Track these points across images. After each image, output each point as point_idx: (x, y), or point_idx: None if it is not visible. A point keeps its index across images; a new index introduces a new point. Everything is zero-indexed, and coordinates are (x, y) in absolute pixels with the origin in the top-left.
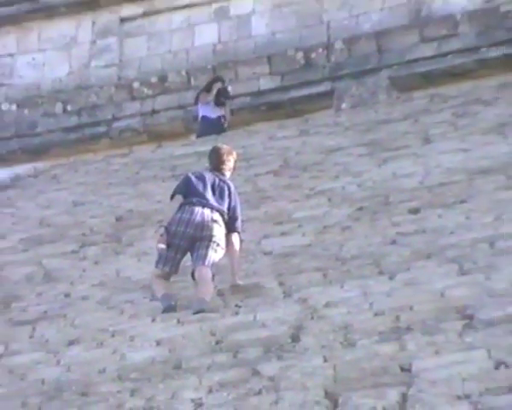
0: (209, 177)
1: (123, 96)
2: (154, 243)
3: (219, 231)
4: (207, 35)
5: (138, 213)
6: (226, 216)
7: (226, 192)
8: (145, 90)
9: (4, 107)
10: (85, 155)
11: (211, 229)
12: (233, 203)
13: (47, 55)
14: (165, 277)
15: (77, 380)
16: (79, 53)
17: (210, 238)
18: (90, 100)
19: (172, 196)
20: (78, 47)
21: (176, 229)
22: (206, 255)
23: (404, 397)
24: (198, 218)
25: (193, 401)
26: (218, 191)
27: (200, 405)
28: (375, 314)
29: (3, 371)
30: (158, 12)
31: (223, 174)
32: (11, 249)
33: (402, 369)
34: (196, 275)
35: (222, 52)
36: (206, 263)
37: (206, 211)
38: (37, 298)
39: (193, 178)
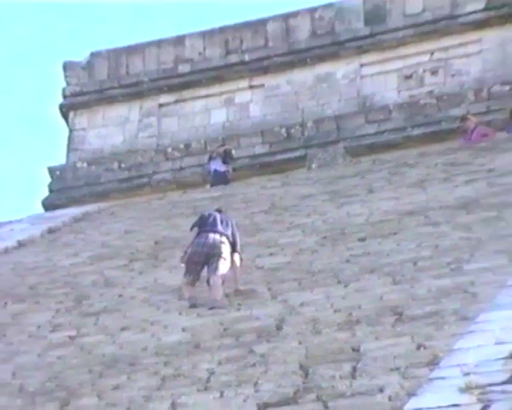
0: (217, 215)
1: (160, 158)
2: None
3: (226, 249)
4: (219, 116)
5: (170, 238)
6: (230, 239)
7: (229, 224)
8: (175, 153)
9: (78, 165)
10: (134, 198)
11: (219, 248)
12: (234, 232)
13: (108, 130)
14: (191, 283)
15: (127, 355)
16: (130, 128)
17: (219, 255)
18: (137, 160)
19: (192, 228)
20: (129, 124)
21: (195, 249)
22: (217, 268)
23: (354, 369)
24: (210, 241)
25: (207, 370)
26: (224, 223)
27: (213, 373)
28: (335, 311)
29: (76, 348)
30: (185, 100)
31: (225, 214)
32: (82, 263)
33: (353, 350)
34: (210, 282)
35: (229, 128)
36: (218, 273)
37: (216, 236)
38: (99, 297)
39: (206, 214)
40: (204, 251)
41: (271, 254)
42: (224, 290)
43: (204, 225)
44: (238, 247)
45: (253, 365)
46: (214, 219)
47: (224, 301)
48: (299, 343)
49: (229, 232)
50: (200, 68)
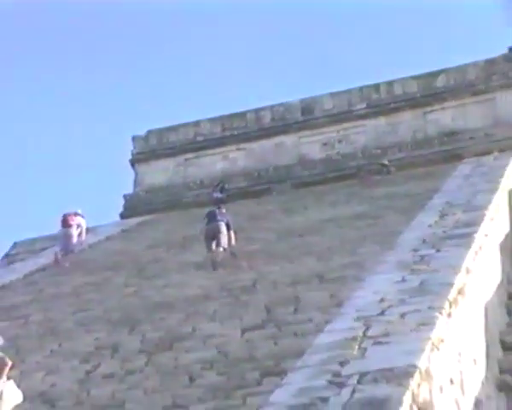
0: (216, 210)
1: (186, 189)
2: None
3: (224, 229)
4: (219, 165)
5: (191, 235)
6: (225, 223)
7: (224, 215)
8: (194, 187)
9: (140, 193)
10: (171, 212)
11: (220, 229)
12: (228, 219)
13: (156, 174)
14: (208, 251)
15: (168, 301)
16: (168, 173)
17: (220, 233)
18: (173, 190)
19: (204, 219)
20: (168, 170)
21: (206, 232)
22: (220, 241)
23: (296, 309)
24: (214, 225)
25: (213, 310)
26: (221, 215)
27: (216, 312)
28: (284, 276)
29: (137, 298)
30: (199, 157)
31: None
32: (142, 249)
33: (295, 298)
34: (215, 251)
35: (225, 172)
36: (220, 244)
37: (217, 222)
38: (152, 269)
39: (210, 211)
40: (211, 232)
41: (248, 241)
42: (224, 255)
43: (209, 217)
44: (231, 227)
45: (240, 307)
46: (214, 214)
47: (224, 261)
48: (265, 295)
49: (225, 220)
50: (208, 139)
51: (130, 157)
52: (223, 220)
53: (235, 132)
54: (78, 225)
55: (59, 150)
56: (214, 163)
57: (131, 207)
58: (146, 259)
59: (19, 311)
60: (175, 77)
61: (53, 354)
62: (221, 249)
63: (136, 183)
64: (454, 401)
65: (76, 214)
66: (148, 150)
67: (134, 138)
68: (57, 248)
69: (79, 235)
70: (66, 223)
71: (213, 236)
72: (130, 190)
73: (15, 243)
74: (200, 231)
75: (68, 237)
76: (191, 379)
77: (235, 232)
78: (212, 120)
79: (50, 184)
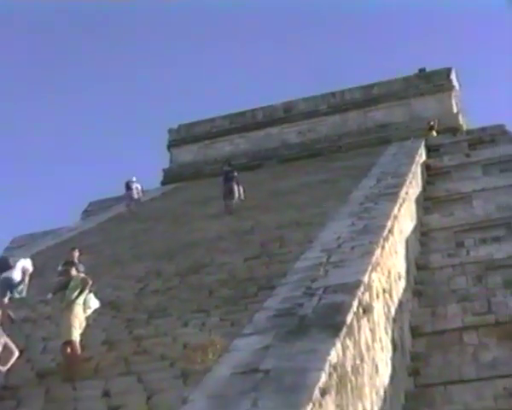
0: (229, 172)
1: (207, 165)
2: None
3: (235, 187)
4: (228, 148)
5: (213, 195)
6: (237, 183)
7: (235, 173)
8: (214, 163)
9: (174, 168)
10: (196, 181)
11: (233, 186)
12: (237, 177)
13: (186, 154)
14: (225, 202)
15: (195, 241)
16: (194, 153)
17: (233, 190)
18: (197, 166)
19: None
20: (194, 152)
21: (224, 189)
22: (233, 194)
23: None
24: (229, 184)
25: (226, 246)
26: (234, 177)
27: (228, 247)
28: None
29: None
30: (214, 143)
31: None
32: (177, 203)
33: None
34: (230, 202)
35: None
36: (234, 197)
37: (231, 182)
38: (189, 218)
39: (225, 175)
40: (227, 189)
41: (248, 198)
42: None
43: (226, 179)
44: (240, 183)
45: (243, 244)
46: (230, 177)
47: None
48: (260, 236)
49: (236, 180)
50: (220, 130)
51: (166, 143)
52: (234, 181)
53: (238, 125)
54: (137, 189)
55: (119, 138)
56: (224, 147)
57: (168, 178)
58: (179, 212)
59: (94, 248)
60: (197, 83)
61: (117, 277)
62: (234, 201)
63: (171, 161)
64: (385, 303)
65: (135, 182)
66: (179, 138)
67: (169, 130)
68: (123, 205)
69: (138, 196)
70: (129, 187)
71: (229, 191)
72: (167, 166)
73: (90, 203)
74: (220, 190)
75: (130, 197)
76: (210, 293)
77: (244, 189)
78: (223, 117)
79: (115, 160)
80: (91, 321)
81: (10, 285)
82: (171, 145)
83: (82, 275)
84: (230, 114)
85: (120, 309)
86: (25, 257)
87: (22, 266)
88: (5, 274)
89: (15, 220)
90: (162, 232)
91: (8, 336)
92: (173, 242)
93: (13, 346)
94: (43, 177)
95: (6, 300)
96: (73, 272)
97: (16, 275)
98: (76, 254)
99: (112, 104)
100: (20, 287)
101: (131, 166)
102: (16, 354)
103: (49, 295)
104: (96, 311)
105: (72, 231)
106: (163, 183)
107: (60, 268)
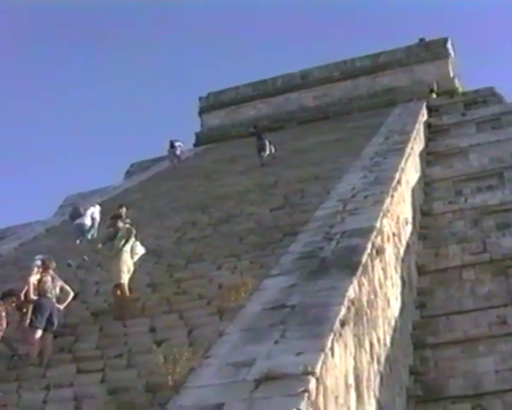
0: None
1: (235, 127)
2: None
3: (267, 144)
4: (253, 112)
5: (241, 154)
6: (268, 141)
7: (263, 135)
8: (243, 124)
9: (205, 131)
10: (226, 142)
11: (265, 144)
12: (264, 136)
13: (215, 118)
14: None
15: (222, 195)
16: (222, 116)
17: (265, 146)
18: (226, 128)
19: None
20: (221, 116)
21: (257, 146)
22: (265, 150)
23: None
24: (262, 141)
25: (252, 198)
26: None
27: (255, 199)
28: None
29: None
30: (241, 107)
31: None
32: (208, 162)
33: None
34: (263, 156)
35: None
36: (266, 152)
37: (263, 140)
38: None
39: (257, 134)
40: (260, 145)
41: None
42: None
43: (258, 137)
44: (271, 143)
45: (268, 196)
46: (261, 136)
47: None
48: (283, 189)
49: (267, 139)
50: (244, 96)
51: (198, 110)
52: (266, 139)
53: (260, 92)
54: (180, 147)
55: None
56: (248, 111)
57: (200, 140)
58: (210, 169)
59: (136, 204)
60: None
61: (158, 228)
62: (266, 154)
63: (202, 125)
64: (395, 245)
65: (178, 141)
66: (209, 105)
67: (200, 98)
68: (166, 162)
69: (180, 153)
70: (172, 145)
71: (262, 147)
72: (198, 130)
73: (132, 164)
74: (255, 146)
75: (174, 154)
76: (240, 240)
77: (275, 147)
78: (246, 85)
79: (154, 126)
80: (137, 267)
81: (82, 230)
82: (202, 111)
83: (127, 226)
84: (253, 82)
85: (161, 256)
86: (94, 205)
87: (92, 213)
88: (78, 221)
89: (66, 181)
90: (196, 188)
91: (64, 281)
92: (206, 196)
93: (68, 288)
94: (91, 138)
95: (78, 242)
96: (120, 224)
97: (87, 221)
98: (122, 209)
99: (154, 80)
100: (91, 232)
101: (169, 130)
102: (71, 294)
103: (100, 245)
104: (140, 258)
105: (116, 189)
106: (195, 145)
107: (108, 222)
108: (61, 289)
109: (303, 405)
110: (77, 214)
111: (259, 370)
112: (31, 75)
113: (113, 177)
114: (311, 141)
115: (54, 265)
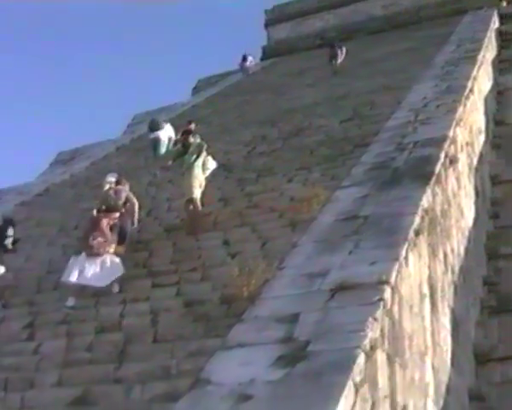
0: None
1: (297, 40)
2: None
3: (339, 52)
4: (320, 23)
5: (305, 67)
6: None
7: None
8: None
9: (271, 43)
10: (292, 55)
11: (337, 52)
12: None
13: (283, 30)
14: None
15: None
16: (287, 28)
17: (337, 55)
18: (292, 41)
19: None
20: (286, 29)
21: (329, 54)
22: (337, 58)
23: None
24: (334, 50)
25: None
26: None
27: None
28: None
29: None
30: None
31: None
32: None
33: None
34: (335, 64)
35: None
36: (338, 59)
37: (335, 48)
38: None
39: (330, 46)
40: (332, 53)
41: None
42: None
43: (331, 48)
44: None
45: (337, 108)
46: (334, 46)
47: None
48: (353, 100)
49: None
50: (310, 8)
51: (263, 23)
52: (337, 47)
53: (327, 3)
54: (251, 61)
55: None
56: (315, 23)
57: (266, 54)
58: (277, 83)
59: (205, 119)
60: None
61: (227, 143)
62: (338, 62)
63: (268, 39)
64: (468, 155)
65: (249, 55)
66: (274, 18)
67: (266, 11)
68: (233, 78)
69: (250, 66)
70: (244, 58)
71: (334, 55)
72: (265, 43)
73: (199, 80)
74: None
75: (246, 70)
76: (311, 152)
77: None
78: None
79: (221, 42)
80: (208, 182)
81: (158, 144)
82: (268, 24)
83: (198, 140)
84: None
85: (232, 170)
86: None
87: (168, 129)
88: (155, 134)
89: (134, 99)
90: (264, 102)
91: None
92: (274, 109)
93: (133, 197)
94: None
95: (153, 155)
96: (191, 139)
97: (163, 136)
98: (192, 125)
99: None
100: (164, 148)
101: (236, 46)
102: (137, 204)
103: (170, 162)
104: (210, 173)
105: (184, 105)
106: (262, 59)
107: (178, 137)
108: (127, 198)
109: (378, 313)
110: (155, 127)
111: (334, 280)
112: None
113: (180, 94)
114: (380, 51)
115: (127, 184)
